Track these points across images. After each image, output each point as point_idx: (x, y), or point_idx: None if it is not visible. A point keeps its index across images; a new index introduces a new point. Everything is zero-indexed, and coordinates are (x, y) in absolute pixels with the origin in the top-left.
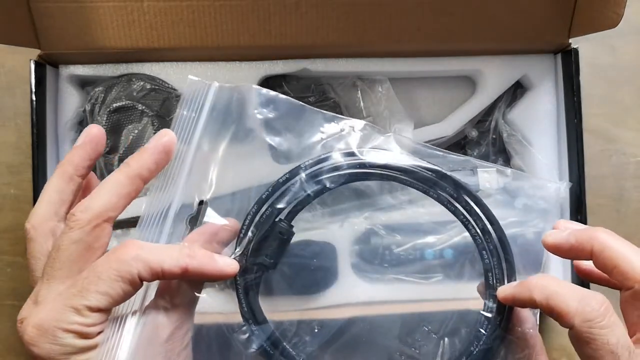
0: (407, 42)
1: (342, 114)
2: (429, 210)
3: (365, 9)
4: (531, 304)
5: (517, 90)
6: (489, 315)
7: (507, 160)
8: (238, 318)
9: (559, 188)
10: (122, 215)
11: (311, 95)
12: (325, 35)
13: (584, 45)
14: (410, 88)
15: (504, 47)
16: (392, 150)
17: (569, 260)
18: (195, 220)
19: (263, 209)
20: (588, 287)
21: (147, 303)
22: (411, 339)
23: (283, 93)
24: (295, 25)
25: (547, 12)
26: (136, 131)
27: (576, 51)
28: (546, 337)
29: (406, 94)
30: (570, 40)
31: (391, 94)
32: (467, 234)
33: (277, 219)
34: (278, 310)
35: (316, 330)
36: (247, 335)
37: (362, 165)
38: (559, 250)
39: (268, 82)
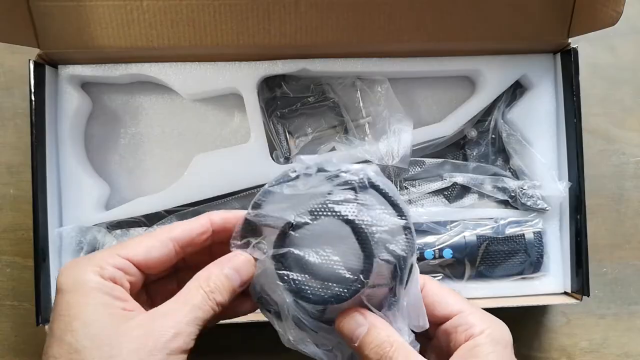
0: (407, 42)
1: (341, 114)
2: (428, 210)
3: (365, 8)
4: None
5: (516, 90)
6: None
7: (506, 160)
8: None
9: (559, 188)
10: (122, 217)
11: (310, 95)
12: (324, 35)
13: (584, 45)
14: (410, 88)
15: (504, 47)
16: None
17: (569, 261)
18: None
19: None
20: (587, 285)
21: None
22: None
23: (282, 93)
24: (295, 24)
25: (546, 11)
26: None
27: (575, 51)
28: (546, 338)
29: (406, 94)
30: (570, 40)
31: (390, 94)
32: (466, 233)
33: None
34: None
35: None
36: None
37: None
38: None
39: (267, 82)
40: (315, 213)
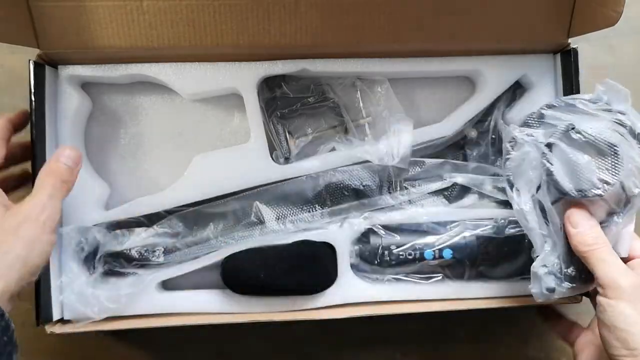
0: (407, 42)
1: (341, 114)
2: (428, 210)
3: (365, 8)
4: None
5: (516, 90)
6: None
7: None
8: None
9: None
10: (122, 217)
11: (310, 96)
12: (324, 35)
13: (584, 45)
14: (410, 88)
15: (504, 47)
16: None
17: None
18: None
19: None
20: None
21: None
22: None
23: (282, 93)
24: (295, 24)
25: (546, 12)
26: None
27: (575, 51)
28: (546, 337)
29: (406, 94)
30: (570, 40)
31: (390, 94)
32: (466, 233)
33: None
34: (277, 310)
35: None
36: None
37: None
38: None
39: (267, 82)
40: (593, 129)
